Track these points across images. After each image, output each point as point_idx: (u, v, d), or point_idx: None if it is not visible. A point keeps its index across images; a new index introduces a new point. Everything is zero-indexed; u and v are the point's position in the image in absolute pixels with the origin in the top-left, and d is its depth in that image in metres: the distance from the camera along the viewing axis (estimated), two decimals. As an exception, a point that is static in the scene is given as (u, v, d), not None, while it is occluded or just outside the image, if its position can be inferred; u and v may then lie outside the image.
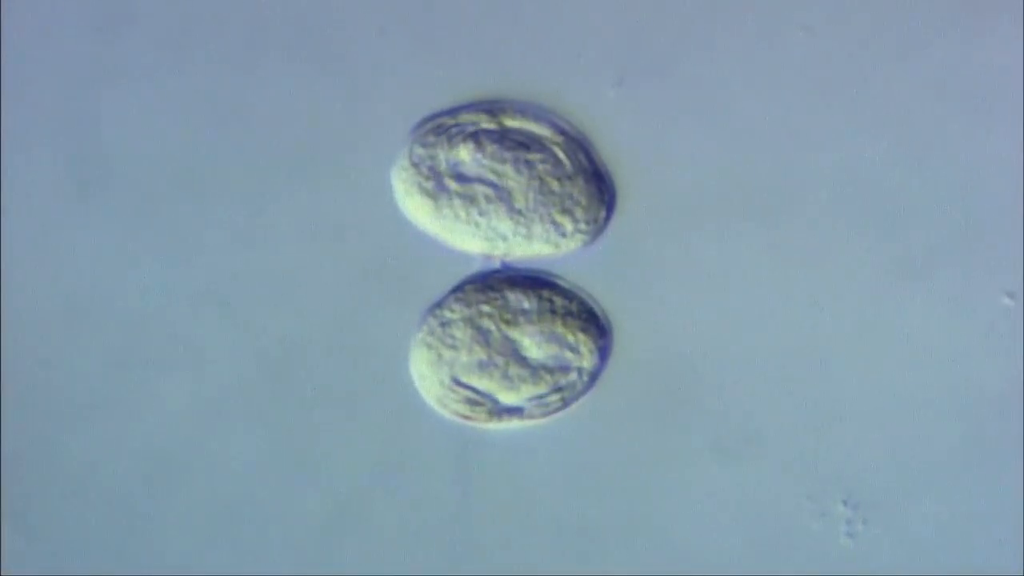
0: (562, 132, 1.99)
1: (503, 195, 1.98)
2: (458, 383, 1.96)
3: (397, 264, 2.00)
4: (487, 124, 1.98)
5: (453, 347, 1.97)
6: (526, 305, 1.97)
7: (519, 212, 1.98)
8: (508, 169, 1.99)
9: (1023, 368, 1.95)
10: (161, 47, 2.01)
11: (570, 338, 1.97)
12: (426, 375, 1.97)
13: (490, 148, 1.99)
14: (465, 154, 1.99)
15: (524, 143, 1.99)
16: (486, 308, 1.97)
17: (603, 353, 1.98)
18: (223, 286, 1.99)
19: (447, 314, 1.97)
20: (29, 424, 1.97)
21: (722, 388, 1.97)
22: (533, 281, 1.98)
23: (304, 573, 1.97)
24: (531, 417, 1.97)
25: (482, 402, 1.97)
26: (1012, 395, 1.95)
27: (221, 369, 1.98)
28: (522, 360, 1.97)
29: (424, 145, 1.98)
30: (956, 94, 2.00)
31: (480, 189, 1.99)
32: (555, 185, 1.98)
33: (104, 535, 1.97)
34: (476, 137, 1.99)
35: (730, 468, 1.96)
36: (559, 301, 1.97)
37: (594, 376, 1.98)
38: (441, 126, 1.98)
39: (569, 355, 1.97)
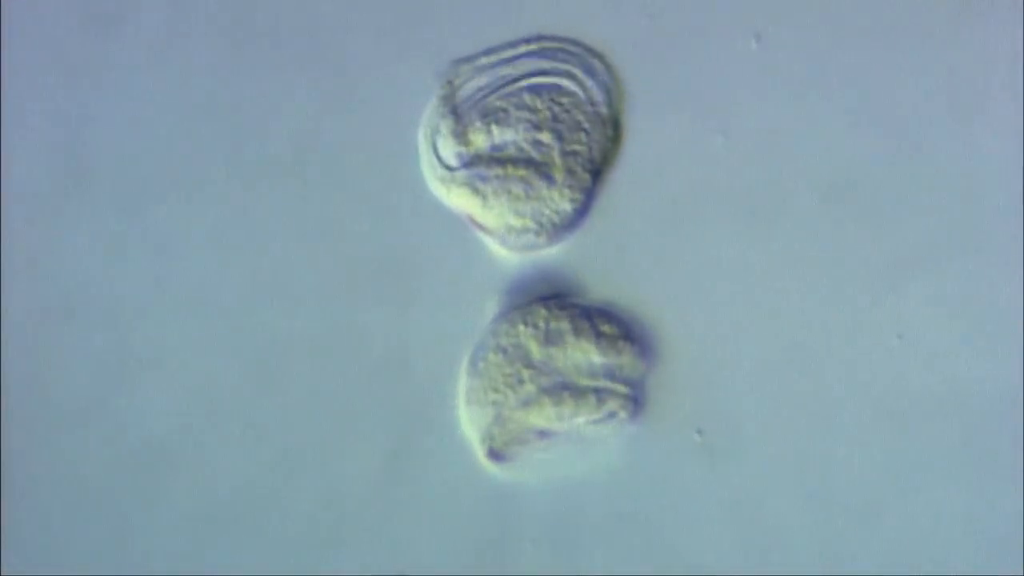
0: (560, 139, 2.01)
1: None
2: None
3: (392, 264, 2.00)
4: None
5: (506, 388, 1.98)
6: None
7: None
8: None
9: (1023, 368, 1.95)
10: (151, 45, 2.01)
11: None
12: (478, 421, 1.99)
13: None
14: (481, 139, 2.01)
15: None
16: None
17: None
18: (214, 285, 1.99)
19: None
20: (23, 424, 1.97)
21: (713, 384, 1.98)
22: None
23: (297, 573, 1.97)
24: None
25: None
26: (1012, 395, 1.96)
27: (213, 369, 1.98)
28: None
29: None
30: (954, 92, 2.00)
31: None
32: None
33: (99, 535, 1.97)
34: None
35: (720, 467, 1.97)
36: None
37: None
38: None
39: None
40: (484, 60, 2.01)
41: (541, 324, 1.96)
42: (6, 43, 1.99)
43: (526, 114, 2.00)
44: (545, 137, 1.99)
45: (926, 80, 2.00)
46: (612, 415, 1.95)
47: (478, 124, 1.99)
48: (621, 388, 1.95)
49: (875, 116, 2.00)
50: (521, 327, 1.96)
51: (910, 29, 2.01)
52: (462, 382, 1.96)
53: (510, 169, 1.98)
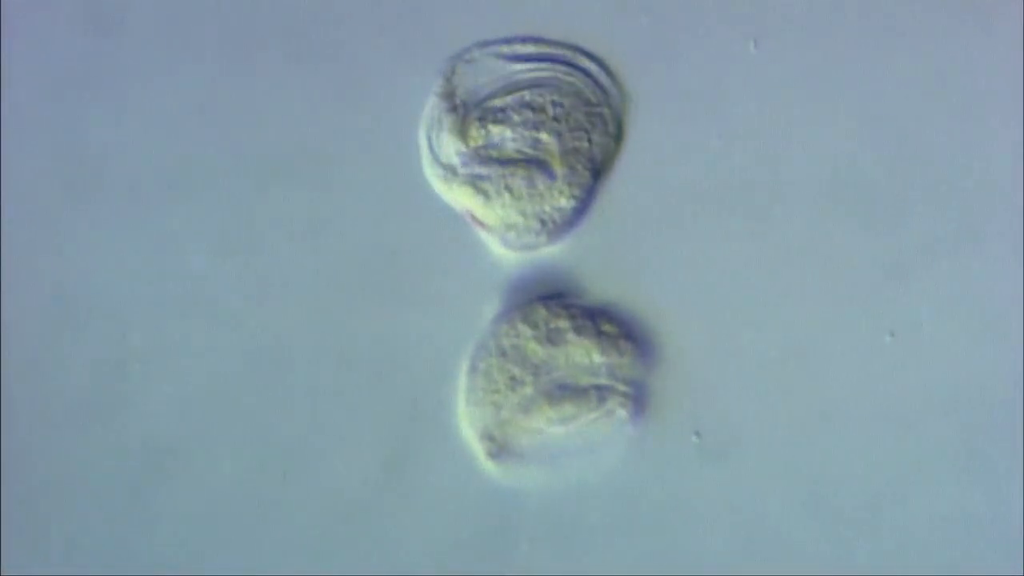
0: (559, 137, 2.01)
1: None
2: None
3: (392, 263, 2.00)
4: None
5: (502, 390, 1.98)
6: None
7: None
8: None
9: (1023, 368, 1.95)
10: (151, 45, 2.01)
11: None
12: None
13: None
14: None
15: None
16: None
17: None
18: (214, 285, 1.99)
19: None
20: (23, 424, 1.97)
21: (711, 385, 1.98)
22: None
23: (297, 573, 1.97)
24: None
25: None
26: (1011, 394, 1.95)
27: (213, 368, 1.98)
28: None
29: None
30: (953, 91, 2.00)
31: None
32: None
33: (99, 534, 1.97)
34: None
35: (717, 469, 1.97)
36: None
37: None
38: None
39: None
40: (485, 58, 2.01)
41: (542, 324, 1.96)
42: (6, 44, 1.99)
43: (527, 112, 2.00)
44: (545, 135, 1.99)
45: (925, 81, 2.00)
46: (612, 414, 1.95)
47: (478, 122, 1.99)
48: (622, 387, 1.95)
49: (874, 118, 2.00)
50: (521, 327, 1.96)
51: (909, 30, 2.01)
52: (462, 382, 1.96)
53: (511, 167, 1.98)
